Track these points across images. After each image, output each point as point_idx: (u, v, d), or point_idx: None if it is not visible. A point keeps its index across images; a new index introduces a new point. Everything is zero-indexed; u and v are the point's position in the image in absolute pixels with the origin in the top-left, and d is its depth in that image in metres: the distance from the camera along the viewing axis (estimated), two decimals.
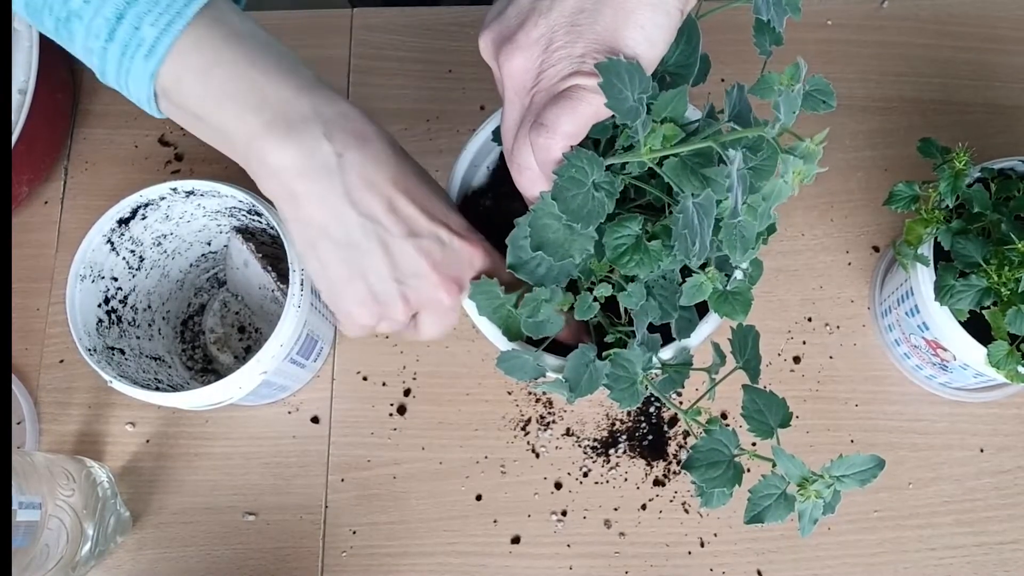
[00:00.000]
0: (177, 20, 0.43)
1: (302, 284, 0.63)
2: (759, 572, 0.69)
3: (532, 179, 0.46)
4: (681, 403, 0.72)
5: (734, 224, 0.42)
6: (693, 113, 0.53)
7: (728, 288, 0.49)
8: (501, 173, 0.62)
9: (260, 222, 0.71)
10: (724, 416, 0.72)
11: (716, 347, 0.51)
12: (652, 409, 0.73)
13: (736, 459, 0.46)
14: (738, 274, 0.55)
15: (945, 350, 0.64)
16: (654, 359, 0.51)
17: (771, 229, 0.50)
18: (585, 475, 0.71)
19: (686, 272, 0.49)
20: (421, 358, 0.74)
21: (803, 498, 0.44)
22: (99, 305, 0.67)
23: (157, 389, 0.63)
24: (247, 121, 0.45)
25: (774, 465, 0.44)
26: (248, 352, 0.76)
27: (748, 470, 0.46)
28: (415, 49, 0.83)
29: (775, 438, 0.47)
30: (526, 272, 0.49)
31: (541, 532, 0.70)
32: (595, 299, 0.50)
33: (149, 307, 0.72)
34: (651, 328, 0.50)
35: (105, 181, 0.80)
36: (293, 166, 0.45)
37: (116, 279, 0.68)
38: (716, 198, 0.42)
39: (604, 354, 0.50)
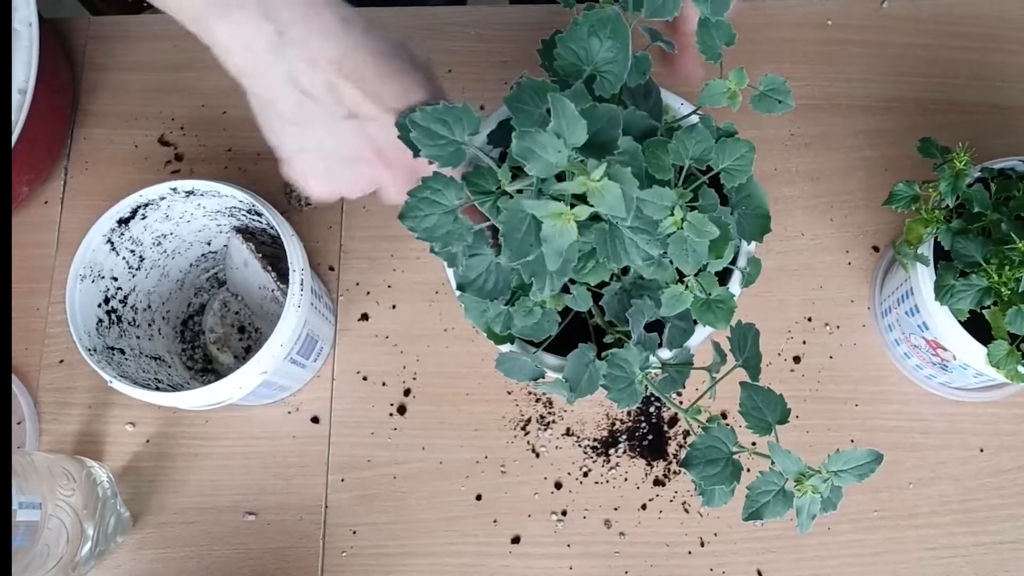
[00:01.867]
0: None
1: (302, 284, 0.63)
2: (759, 572, 0.69)
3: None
4: (681, 402, 0.72)
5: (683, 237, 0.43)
6: (673, 101, 0.55)
7: (712, 296, 0.49)
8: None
9: (260, 222, 0.71)
10: (724, 415, 0.72)
11: (716, 346, 0.51)
12: (652, 409, 0.73)
13: (735, 457, 0.46)
14: (737, 275, 0.55)
15: (945, 350, 0.64)
16: (653, 359, 0.51)
17: (765, 230, 0.50)
18: (585, 475, 0.71)
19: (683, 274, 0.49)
20: (421, 358, 0.74)
21: (800, 493, 0.44)
22: (99, 305, 0.67)
23: (157, 389, 0.63)
24: (191, 0, 0.44)
25: (772, 462, 0.44)
26: (248, 352, 0.76)
27: (748, 469, 0.46)
28: None
29: (773, 435, 0.47)
30: (474, 289, 0.49)
31: (541, 532, 0.70)
32: (537, 304, 0.50)
33: (149, 307, 0.72)
34: (650, 328, 0.50)
35: (105, 181, 0.80)
36: (236, 46, 0.45)
37: (116, 279, 0.68)
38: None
39: (603, 354, 0.50)
